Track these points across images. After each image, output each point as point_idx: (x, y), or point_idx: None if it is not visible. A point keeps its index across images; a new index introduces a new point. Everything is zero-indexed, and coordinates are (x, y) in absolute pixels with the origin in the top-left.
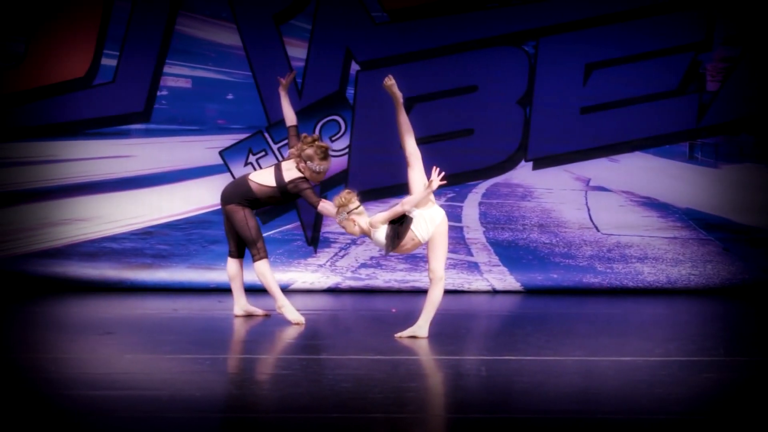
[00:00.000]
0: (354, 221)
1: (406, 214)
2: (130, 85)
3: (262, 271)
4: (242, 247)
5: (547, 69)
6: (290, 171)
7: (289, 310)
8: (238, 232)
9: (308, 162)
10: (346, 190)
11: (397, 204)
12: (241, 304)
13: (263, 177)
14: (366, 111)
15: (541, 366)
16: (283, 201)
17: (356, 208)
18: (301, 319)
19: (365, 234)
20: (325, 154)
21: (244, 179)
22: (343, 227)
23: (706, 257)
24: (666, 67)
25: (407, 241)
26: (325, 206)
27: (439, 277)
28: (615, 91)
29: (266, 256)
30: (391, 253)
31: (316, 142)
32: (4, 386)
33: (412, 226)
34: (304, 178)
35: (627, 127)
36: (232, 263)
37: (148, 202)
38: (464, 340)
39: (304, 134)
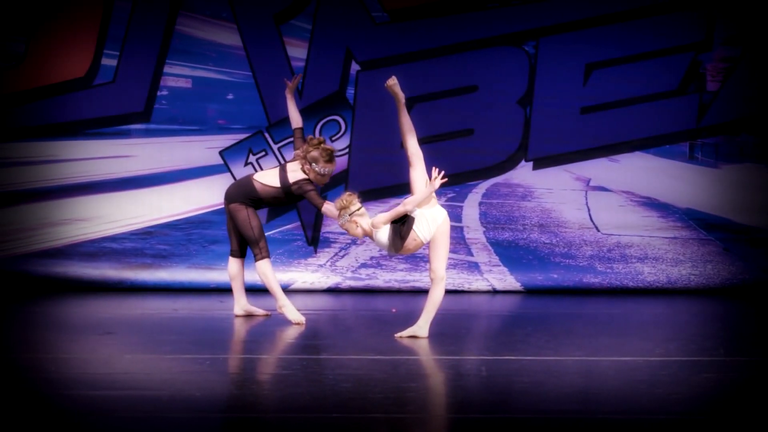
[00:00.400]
0: (356, 223)
1: (408, 214)
2: (130, 85)
3: (264, 271)
4: (244, 247)
5: (547, 69)
6: (295, 172)
7: (290, 310)
8: (241, 231)
9: (313, 164)
10: (347, 193)
11: (398, 204)
12: (241, 303)
13: (268, 177)
14: (366, 111)
15: (541, 366)
16: (287, 202)
17: (357, 210)
18: (302, 319)
19: (368, 235)
20: (330, 157)
21: (249, 179)
22: (346, 229)
23: (706, 257)
24: (666, 67)
25: (409, 241)
26: (329, 208)
27: (440, 277)
28: (615, 91)
29: (268, 256)
30: (394, 255)
31: (322, 145)
32: (4, 386)
33: (414, 227)
34: (309, 179)
35: (627, 127)
36: (233, 262)
37: (148, 202)
38: (464, 340)
39: (309, 136)
